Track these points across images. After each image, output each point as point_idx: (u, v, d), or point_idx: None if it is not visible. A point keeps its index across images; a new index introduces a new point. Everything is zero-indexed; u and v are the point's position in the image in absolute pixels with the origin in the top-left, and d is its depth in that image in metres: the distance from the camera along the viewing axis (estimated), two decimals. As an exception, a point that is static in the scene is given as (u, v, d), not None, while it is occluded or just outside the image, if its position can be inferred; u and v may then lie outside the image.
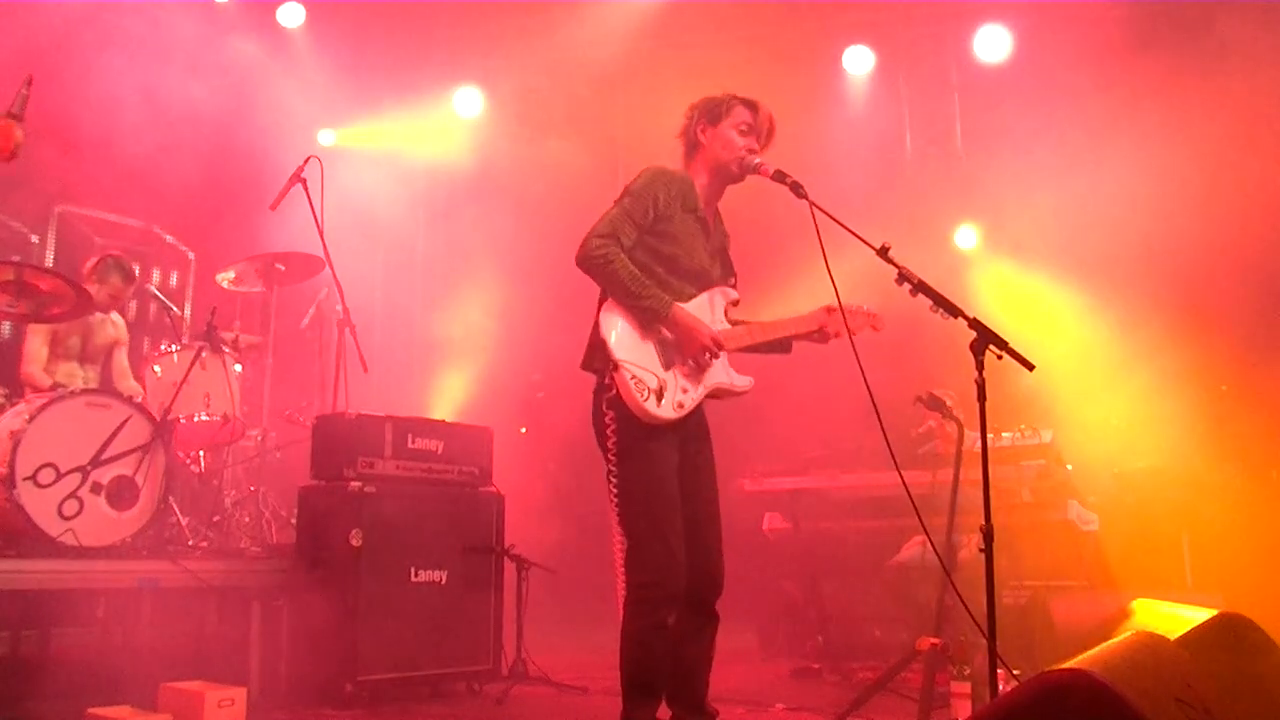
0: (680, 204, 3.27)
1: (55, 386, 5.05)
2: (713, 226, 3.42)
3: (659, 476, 3.14)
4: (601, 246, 3.11)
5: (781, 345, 3.49)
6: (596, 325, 3.17)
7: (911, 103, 7.87)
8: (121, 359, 5.69)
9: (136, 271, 5.64)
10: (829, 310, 3.38)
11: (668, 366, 3.17)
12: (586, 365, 3.24)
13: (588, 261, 3.13)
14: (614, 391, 3.11)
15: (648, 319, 3.14)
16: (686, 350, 3.18)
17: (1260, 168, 5.94)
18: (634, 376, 3.08)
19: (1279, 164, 5.94)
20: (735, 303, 3.42)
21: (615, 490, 3.16)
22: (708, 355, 3.19)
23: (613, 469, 3.16)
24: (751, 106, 3.35)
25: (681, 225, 3.26)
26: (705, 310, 3.29)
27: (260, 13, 7.51)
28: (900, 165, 7.73)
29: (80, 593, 4.40)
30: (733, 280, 3.49)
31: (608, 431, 3.15)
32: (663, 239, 3.24)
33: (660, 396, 3.11)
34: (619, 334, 3.12)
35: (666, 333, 3.18)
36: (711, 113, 3.35)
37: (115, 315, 5.65)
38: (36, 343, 5.31)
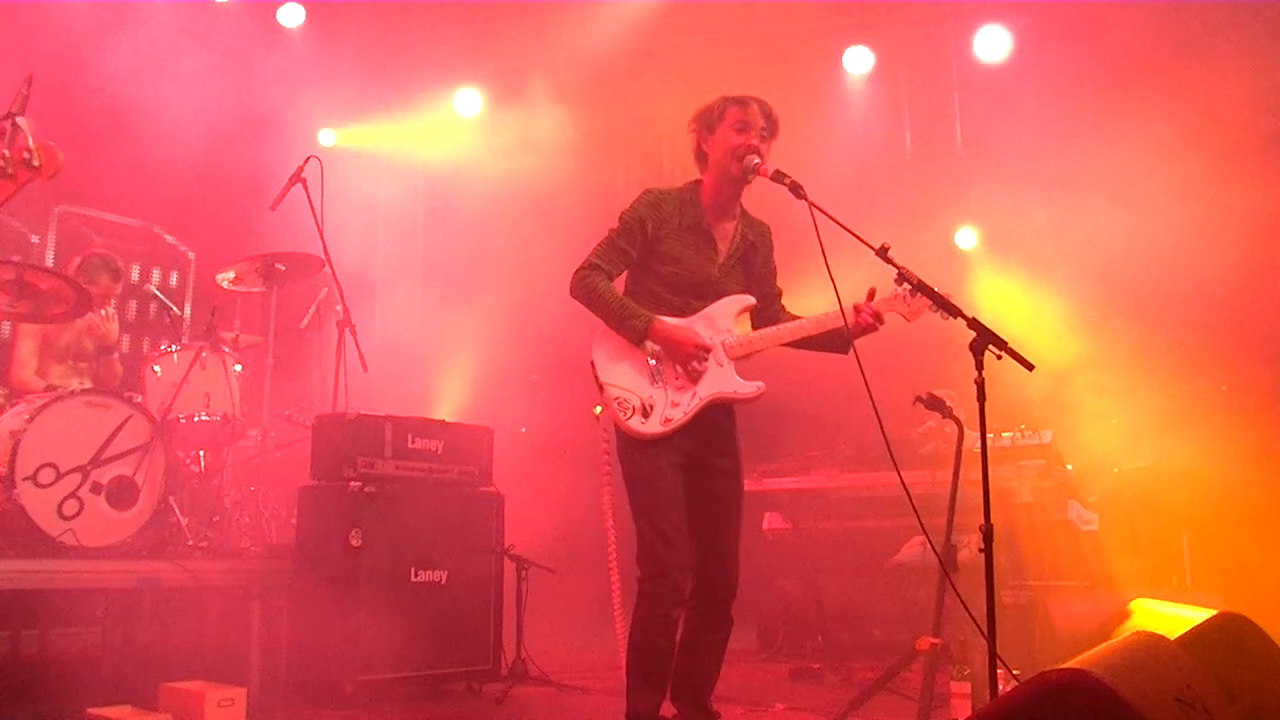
0: (677, 222, 3.36)
1: (50, 389, 5.04)
2: (730, 235, 3.44)
3: (653, 481, 3.25)
4: (586, 277, 3.31)
5: (836, 344, 3.31)
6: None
7: (911, 103, 7.87)
8: (115, 365, 5.63)
9: (135, 272, 5.62)
10: (870, 294, 3.28)
11: (657, 383, 3.27)
12: (594, 380, 3.39)
13: (576, 291, 3.34)
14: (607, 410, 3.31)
15: (634, 338, 3.27)
16: (675, 360, 3.26)
17: (1264, 167, 5.93)
18: (617, 398, 3.26)
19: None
20: (755, 307, 3.43)
21: (628, 496, 3.34)
22: (695, 364, 3.24)
23: (622, 475, 3.34)
24: (741, 103, 3.35)
25: (679, 243, 3.35)
26: (708, 321, 3.33)
27: (260, 13, 7.51)
28: (900, 165, 7.72)
29: (80, 593, 4.41)
30: (760, 285, 3.50)
31: (612, 444, 3.38)
32: (661, 260, 3.36)
33: (646, 413, 3.24)
34: (606, 357, 3.31)
35: (658, 348, 3.27)
36: (707, 121, 3.39)
37: (107, 311, 5.61)
38: (27, 347, 5.28)
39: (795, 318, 3.44)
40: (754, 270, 3.50)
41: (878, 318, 3.24)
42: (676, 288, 3.35)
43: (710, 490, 3.34)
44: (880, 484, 5.43)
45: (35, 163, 2.58)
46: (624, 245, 3.34)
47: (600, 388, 3.29)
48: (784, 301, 3.60)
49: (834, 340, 3.30)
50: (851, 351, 3.19)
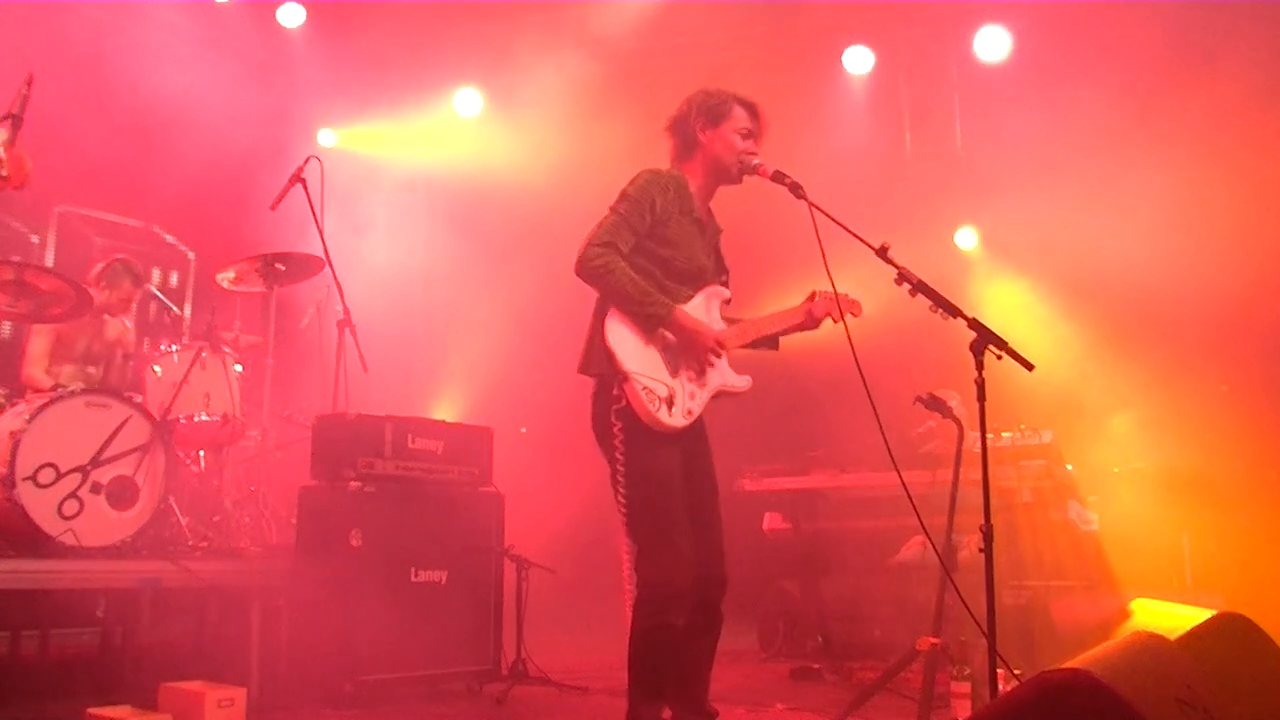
0: (677, 207, 3.26)
1: (57, 388, 5.05)
2: (708, 226, 3.42)
3: (665, 480, 3.13)
4: (600, 255, 3.09)
5: (770, 341, 3.47)
6: (599, 333, 3.13)
7: (911, 103, 7.87)
8: (125, 371, 5.65)
9: (149, 274, 5.64)
10: (810, 297, 3.41)
11: (674, 373, 3.17)
12: (584, 369, 3.21)
13: (587, 270, 3.11)
14: (623, 403, 3.09)
15: (651, 325, 3.12)
16: (691, 353, 3.18)
17: (1266, 166, 5.93)
18: (645, 388, 3.07)
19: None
20: (727, 301, 3.42)
21: (623, 496, 3.13)
22: (711, 357, 3.20)
23: (620, 475, 3.13)
24: (752, 110, 3.34)
25: (679, 227, 3.26)
26: (702, 311, 3.29)
27: (260, 13, 7.51)
28: (900, 165, 7.72)
29: (80, 593, 4.40)
30: (724, 277, 3.49)
31: (615, 441, 3.12)
32: (661, 243, 3.23)
33: (671, 405, 3.11)
34: (625, 343, 3.09)
35: (670, 337, 3.17)
36: (711, 113, 3.33)
37: (126, 320, 5.65)
38: (40, 344, 5.31)
39: (736, 318, 3.44)
40: (718, 263, 3.49)
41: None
42: (672, 273, 3.24)
43: (697, 489, 3.26)
44: (880, 484, 5.43)
45: (3, 172, 2.55)
46: (635, 224, 3.16)
47: (624, 377, 3.05)
48: (779, 301, 3.59)
49: (771, 339, 3.46)
50: (851, 352, 3.17)
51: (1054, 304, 6.75)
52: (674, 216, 3.24)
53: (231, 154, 6.77)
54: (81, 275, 5.29)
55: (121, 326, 5.64)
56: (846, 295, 3.44)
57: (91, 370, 5.51)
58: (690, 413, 3.16)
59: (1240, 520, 5.40)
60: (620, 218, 3.16)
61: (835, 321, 3.35)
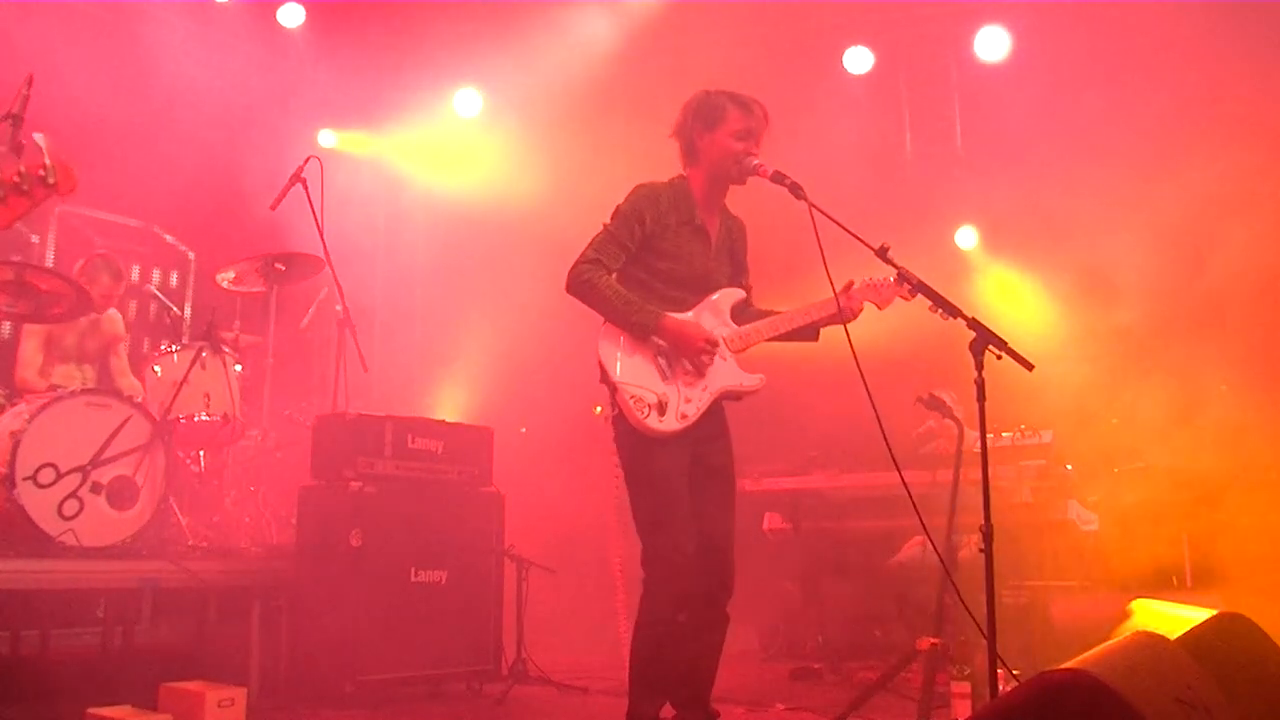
0: (673, 217, 3.33)
1: (52, 389, 5.05)
2: (716, 229, 3.44)
3: (666, 480, 3.20)
4: (585, 272, 3.23)
5: (808, 333, 3.46)
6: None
7: (911, 103, 7.86)
8: (121, 357, 5.71)
9: (135, 272, 5.65)
10: (847, 286, 3.37)
11: (668, 379, 3.22)
12: (602, 380, 3.31)
13: (574, 287, 3.26)
14: (617, 411, 3.22)
15: (640, 334, 3.22)
16: (684, 355, 3.23)
17: (1268, 165, 5.93)
18: (633, 396, 3.17)
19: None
20: (744, 301, 3.43)
21: (629, 497, 3.27)
22: (705, 356, 3.22)
23: (624, 478, 3.28)
24: (745, 107, 3.35)
25: (676, 237, 3.32)
26: (709, 314, 3.33)
27: (260, 13, 7.51)
28: (900, 165, 7.71)
29: (80, 593, 4.40)
30: (743, 279, 3.52)
31: (616, 446, 3.29)
32: (658, 255, 3.32)
33: (662, 411, 3.18)
34: (616, 355, 3.22)
35: (664, 344, 3.23)
36: (707, 118, 3.35)
37: (113, 312, 5.66)
38: (31, 346, 5.31)
39: (766, 314, 3.45)
40: (736, 263, 3.51)
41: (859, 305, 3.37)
42: (673, 282, 3.32)
43: (707, 488, 3.32)
44: (880, 484, 5.43)
45: (51, 180, 2.58)
46: (623, 239, 3.28)
47: (613, 388, 3.19)
48: (779, 300, 3.60)
49: (808, 331, 3.44)
50: (851, 352, 3.19)
51: (1054, 304, 6.75)
52: (670, 227, 3.32)
53: (232, 154, 6.76)
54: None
55: (114, 324, 5.65)
56: (888, 280, 3.32)
57: (87, 367, 5.51)
58: (685, 416, 3.21)
59: (1240, 520, 5.39)
60: (608, 234, 3.30)
61: (880, 309, 3.36)
